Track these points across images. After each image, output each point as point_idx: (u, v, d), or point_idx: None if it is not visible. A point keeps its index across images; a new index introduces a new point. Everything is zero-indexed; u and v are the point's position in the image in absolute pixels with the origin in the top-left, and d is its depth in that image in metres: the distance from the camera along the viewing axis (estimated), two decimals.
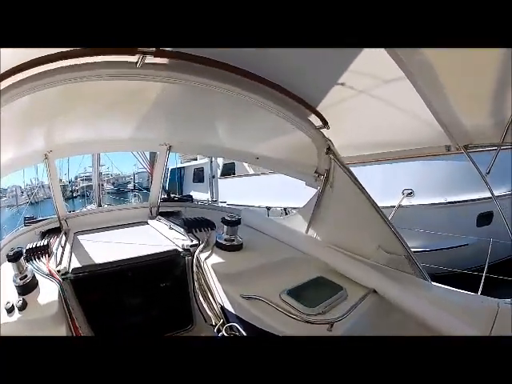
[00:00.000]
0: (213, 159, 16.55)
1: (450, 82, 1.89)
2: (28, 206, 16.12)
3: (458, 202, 7.38)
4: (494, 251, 6.25)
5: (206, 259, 2.75)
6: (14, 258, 2.19)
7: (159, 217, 4.54)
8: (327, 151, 2.87)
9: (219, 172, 16.35)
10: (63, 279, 2.54)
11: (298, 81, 2.52)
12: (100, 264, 2.77)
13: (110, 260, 2.79)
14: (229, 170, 15.97)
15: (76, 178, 46.63)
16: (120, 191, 29.08)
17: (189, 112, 3.38)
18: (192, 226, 3.55)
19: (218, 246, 2.94)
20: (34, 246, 3.12)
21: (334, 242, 2.97)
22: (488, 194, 6.95)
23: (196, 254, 2.88)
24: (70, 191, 40.11)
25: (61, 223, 4.42)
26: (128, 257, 2.83)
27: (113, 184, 42.02)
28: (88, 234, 4.11)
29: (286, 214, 9.61)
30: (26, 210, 14.73)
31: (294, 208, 9.19)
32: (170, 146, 4.61)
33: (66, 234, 4.00)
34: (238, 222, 2.93)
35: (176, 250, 3.02)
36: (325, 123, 2.86)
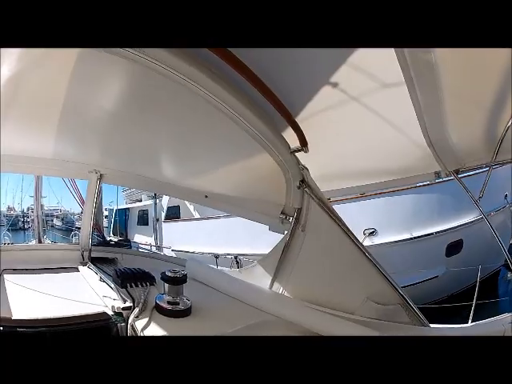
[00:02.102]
0: (157, 201, 16.48)
1: (447, 96, 1.73)
2: None
3: (426, 235, 7.57)
4: (466, 277, 6.76)
5: (143, 329, 2.13)
6: None
7: (90, 264, 3.86)
8: (300, 184, 2.33)
9: (163, 215, 16.20)
10: None
11: (276, 80, 1.85)
12: (17, 320, 2.23)
13: (29, 316, 2.25)
14: (173, 213, 15.93)
15: (28, 209, 45.71)
16: (68, 229, 27.85)
17: (128, 132, 2.77)
18: (127, 279, 2.85)
19: (159, 310, 2.35)
20: None
21: (307, 298, 2.46)
22: (456, 223, 7.25)
23: (130, 320, 2.26)
24: (22, 222, 39.17)
25: None
26: (49, 316, 2.25)
27: (61, 220, 41.94)
28: (17, 274, 3.56)
29: (237, 262, 9.16)
30: None
31: (246, 255, 9.21)
32: (102, 175, 3.93)
33: None
34: (184, 279, 2.33)
35: (105, 314, 2.38)
36: (304, 144, 2.21)
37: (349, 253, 2.24)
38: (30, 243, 8.91)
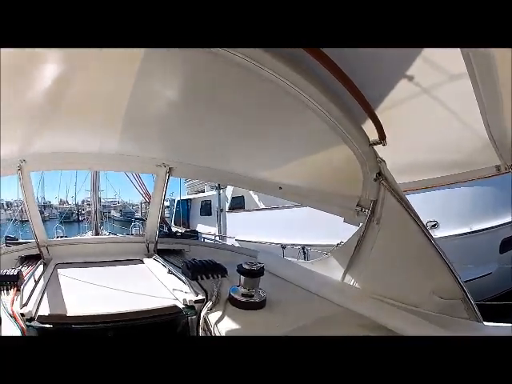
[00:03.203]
0: (221, 192, 16.57)
1: (506, 93, 1.69)
2: (17, 223, 15.74)
3: (483, 229, 7.36)
4: None
5: (217, 322, 2.10)
6: None
7: (156, 256, 3.93)
8: (377, 176, 2.28)
9: (227, 205, 16.34)
10: (28, 326, 2.05)
11: (356, 73, 1.81)
12: (73, 316, 2.20)
13: (88, 313, 2.22)
14: (238, 204, 16.01)
15: (83, 202, 48.13)
16: (127, 220, 28.70)
17: (197, 125, 2.81)
18: (197, 271, 2.85)
19: (233, 302, 2.33)
20: (2, 273, 2.66)
21: (377, 291, 2.42)
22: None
23: (203, 313, 2.23)
24: (77, 214, 40.88)
25: (40, 251, 3.93)
26: (111, 311, 2.24)
27: (120, 212, 43.46)
28: (72, 267, 3.56)
29: (304, 252, 9.01)
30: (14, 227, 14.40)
31: (311, 245, 9.19)
32: (170, 168, 4.07)
33: (44, 265, 3.55)
34: (261, 272, 2.28)
35: (176, 307, 2.36)
36: (382, 137, 2.18)
37: (420, 246, 2.20)
38: (85, 235, 8.99)
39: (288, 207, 11.79)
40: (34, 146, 3.48)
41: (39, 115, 2.65)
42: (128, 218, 31.34)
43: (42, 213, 19.80)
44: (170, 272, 3.14)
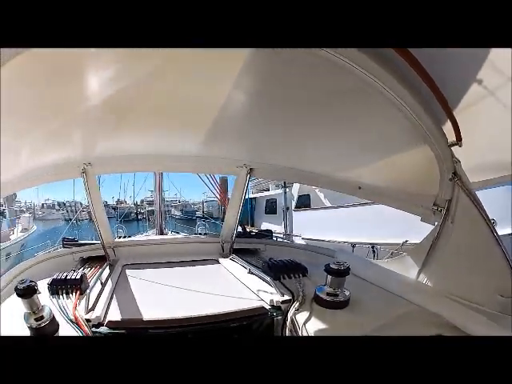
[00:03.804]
0: (287, 190, 16.55)
1: None
2: (73, 224, 15.93)
3: None
4: None
5: (304, 323, 2.09)
6: (22, 293, 1.82)
7: (234, 256, 3.90)
8: (453, 176, 2.28)
9: (293, 204, 16.26)
10: (94, 333, 2.02)
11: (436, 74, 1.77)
12: (150, 321, 2.17)
13: (166, 316, 2.19)
14: (304, 202, 15.86)
15: (142, 201, 49.79)
16: (188, 219, 29.03)
17: (277, 125, 2.78)
18: (279, 271, 2.87)
19: (318, 301, 2.33)
20: (63, 276, 2.61)
21: (448, 290, 2.41)
22: None
23: (290, 314, 2.21)
24: (135, 213, 41.91)
25: (106, 252, 3.98)
26: (191, 314, 2.21)
27: (181, 211, 44.26)
28: (140, 269, 3.58)
29: (374, 251, 9.02)
30: (70, 228, 14.75)
31: (379, 244, 9.09)
32: (251, 169, 4.03)
33: (111, 266, 3.55)
34: (347, 271, 2.27)
35: (263, 308, 2.34)
36: (459, 138, 2.15)
37: (488, 245, 2.18)
38: (150, 235, 8.91)
39: (354, 205, 11.72)
40: (100, 148, 3.50)
41: (113, 118, 2.65)
42: (189, 217, 31.86)
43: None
44: (250, 272, 3.14)
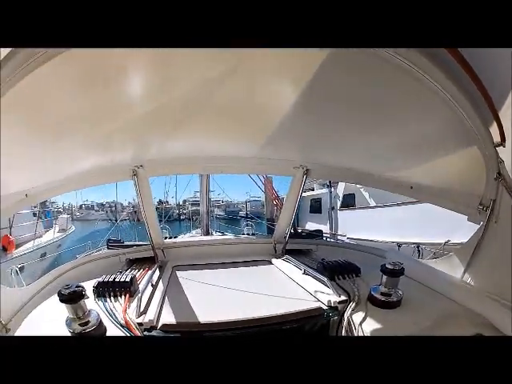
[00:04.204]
0: (332, 189, 16.40)
1: None
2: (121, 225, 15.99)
3: None
4: None
5: (361, 323, 2.17)
6: (68, 298, 1.77)
7: (287, 256, 3.92)
8: (497, 176, 2.26)
9: (339, 203, 16.13)
10: (146, 336, 2.03)
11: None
12: (207, 324, 2.18)
13: (222, 319, 2.21)
14: (349, 201, 15.70)
15: (184, 201, 49.72)
16: (231, 218, 28.93)
17: (331, 126, 2.72)
18: (334, 271, 2.93)
19: (373, 301, 2.41)
20: (110, 278, 2.61)
21: (490, 289, 2.39)
22: None
23: (347, 314, 2.29)
24: (178, 213, 41.42)
25: (156, 253, 3.98)
26: (249, 316, 2.25)
27: (224, 210, 43.91)
28: (191, 270, 3.61)
29: (419, 251, 8.89)
30: (117, 229, 14.71)
31: (424, 244, 8.97)
32: (308, 170, 3.99)
33: (160, 268, 3.58)
34: (402, 272, 2.36)
35: (320, 309, 2.40)
36: (503, 139, 2.07)
37: None
38: (196, 236, 8.76)
39: (398, 205, 11.64)
40: (153, 151, 3.47)
41: (169, 122, 2.63)
42: (233, 217, 31.82)
43: (135, 212, 20.16)
44: (305, 273, 3.17)
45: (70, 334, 1.82)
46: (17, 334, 1.98)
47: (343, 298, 2.46)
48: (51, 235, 17.05)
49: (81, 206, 68.46)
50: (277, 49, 1.47)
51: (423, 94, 1.79)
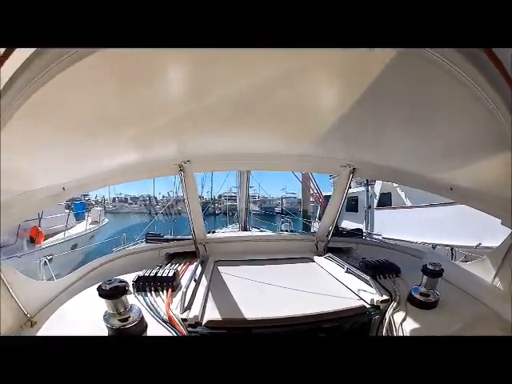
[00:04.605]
0: (369, 188, 16.25)
1: None
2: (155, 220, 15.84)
3: None
4: None
5: (401, 322, 2.22)
6: (110, 294, 1.72)
7: (330, 254, 3.94)
8: None
9: (375, 202, 15.98)
10: (190, 332, 2.04)
11: None
12: (253, 320, 2.20)
13: (269, 315, 2.24)
14: (385, 200, 15.58)
15: (220, 196, 50.48)
16: (266, 214, 28.82)
17: (378, 126, 2.68)
18: (376, 271, 3.01)
19: (412, 301, 2.44)
20: (151, 273, 2.66)
21: None
22: None
23: (389, 313, 2.33)
24: (213, 208, 42.07)
25: (197, 248, 4.05)
26: (295, 313, 2.28)
27: (259, 206, 44.14)
28: (233, 266, 3.64)
29: (452, 254, 8.70)
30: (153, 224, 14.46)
31: (459, 246, 8.83)
32: (354, 169, 3.97)
33: (202, 263, 3.61)
34: (441, 273, 2.39)
35: (364, 307, 2.45)
36: None
37: None
38: (231, 230, 9.15)
39: (434, 205, 11.44)
40: (201, 147, 3.46)
41: (219, 118, 2.60)
42: (268, 212, 31.55)
43: (172, 206, 19.93)
44: (348, 271, 3.21)
45: (107, 330, 1.80)
46: (44, 327, 2.01)
47: (385, 297, 2.49)
48: (83, 227, 17.24)
49: (114, 199, 70.48)
50: (328, 49, 1.53)
51: (466, 97, 1.74)
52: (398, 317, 2.27)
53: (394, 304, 2.41)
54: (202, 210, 4.90)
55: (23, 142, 1.92)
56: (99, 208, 24.26)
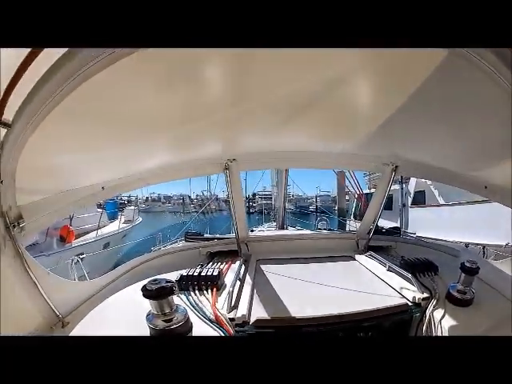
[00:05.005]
0: (403, 186, 16.20)
1: None
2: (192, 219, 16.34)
3: None
4: None
5: (441, 319, 2.23)
6: (155, 295, 1.65)
7: (371, 252, 3.91)
8: None
9: (410, 200, 15.94)
10: (237, 332, 2.05)
11: None
12: (302, 319, 2.21)
13: (317, 314, 2.25)
14: (419, 199, 15.47)
15: (254, 195, 50.90)
16: (301, 212, 28.64)
17: (419, 125, 2.63)
18: (416, 269, 2.99)
19: (450, 299, 2.44)
20: (195, 272, 2.65)
21: None
22: None
23: (429, 311, 2.34)
24: (247, 206, 40.86)
25: (240, 247, 4.02)
26: (342, 311, 2.29)
27: (294, 205, 43.24)
28: (275, 264, 3.62)
29: (484, 252, 8.75)
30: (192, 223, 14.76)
31: (490, 245, 8.97)
32: (396, 167, 3.91)
33: (245, 262, 3.56)
34: (477, 270, 2.38)
35: (406, 305, 2.46)
36: None
37: None
38: (267, 229, 9.07)
39: (467, 204, 11.48)
40: (247, 145, 3.47)
41: (265, 117, 2.58)
42: (302, 211, 31.22)
43: (209, 205, 19.78)
44: (389, 269, 3.17)
45: (148, 330, 1.76)
46: (78, 327, 1.99)
47: (426, 295, 2.49)
48: (116, 226, 17.66)
49: (147, 199, 70.86)
50: (377, 50, 1.50)
51: (503, 97, 1.71)
52: (438, 314, 2.29)
53: (433, 301, 2.42)
54: None
55: (61, 143, 1.97)
56: (133, 207, 24.42)
